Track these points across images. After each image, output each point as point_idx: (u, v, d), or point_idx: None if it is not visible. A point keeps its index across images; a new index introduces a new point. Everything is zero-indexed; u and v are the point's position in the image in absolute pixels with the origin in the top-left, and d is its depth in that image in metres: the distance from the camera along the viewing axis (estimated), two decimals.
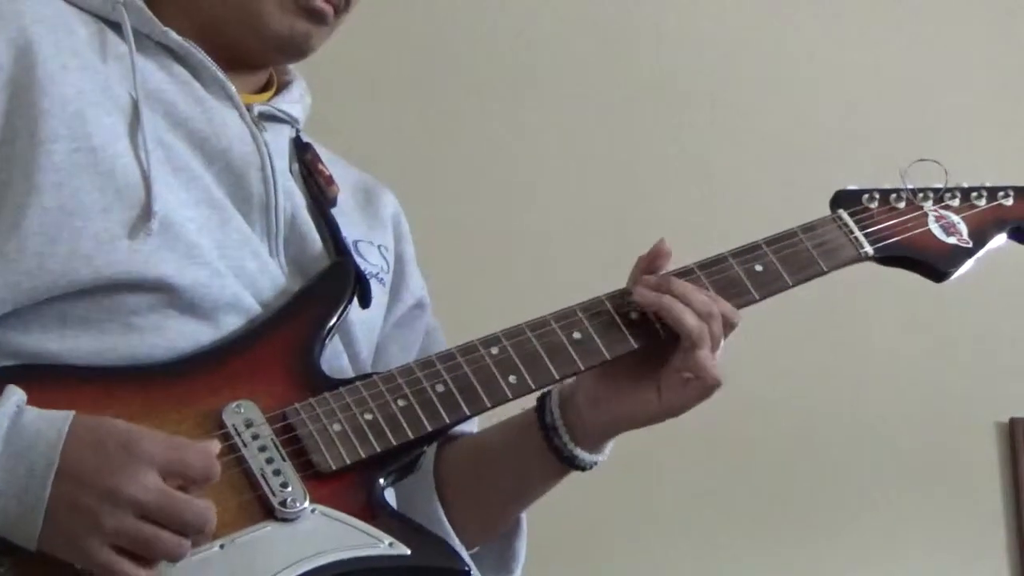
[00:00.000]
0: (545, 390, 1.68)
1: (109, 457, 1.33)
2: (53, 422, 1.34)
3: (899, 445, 3.37)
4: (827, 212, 1.81)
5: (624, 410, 1.66)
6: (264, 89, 1.75)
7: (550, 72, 3.31)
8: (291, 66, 1.80)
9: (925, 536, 3.36)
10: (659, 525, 3.13)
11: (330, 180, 1.72)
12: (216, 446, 1.40)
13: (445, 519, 1.68)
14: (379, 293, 1.72)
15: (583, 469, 1.68)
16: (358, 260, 1.69)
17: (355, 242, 1.72)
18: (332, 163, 1.77)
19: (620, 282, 1.70)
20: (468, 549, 1.69)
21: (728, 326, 1.64)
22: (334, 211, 1.70)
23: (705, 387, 1.63)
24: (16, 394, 1.37)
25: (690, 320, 1.61)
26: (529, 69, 3.29)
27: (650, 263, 1.68)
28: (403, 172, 1.93)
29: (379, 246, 1.77)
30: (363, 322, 1.68)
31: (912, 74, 3.58)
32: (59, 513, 1.31)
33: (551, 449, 1.67)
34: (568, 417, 1.67)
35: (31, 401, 1.38)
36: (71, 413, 1.35)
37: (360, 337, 1.67)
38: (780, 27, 3.52)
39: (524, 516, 1.77)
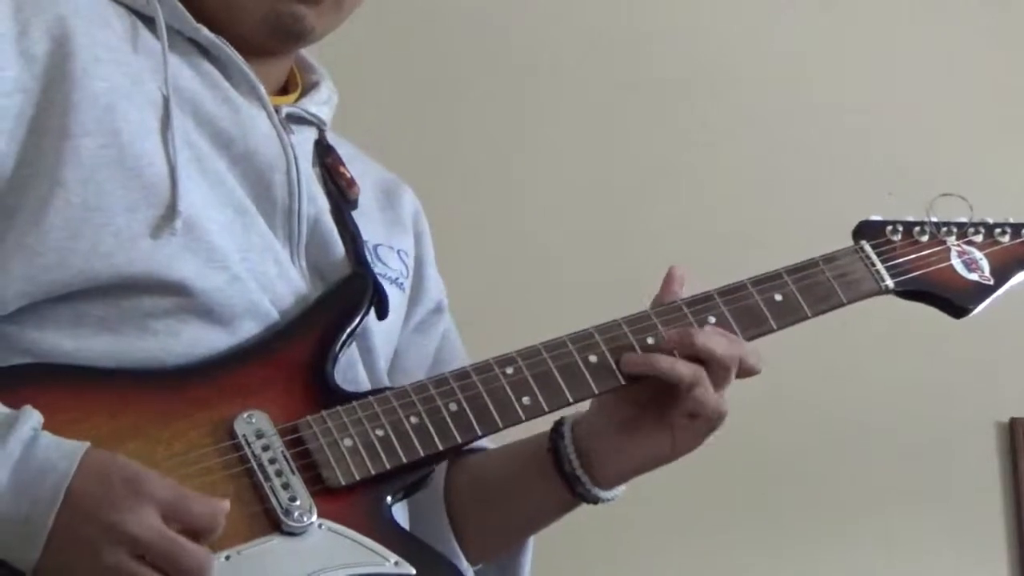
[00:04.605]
0: (554, 429, 1.68)
1: (113, 491, 1.31)
2: (64, 454, 1.33)
3: (899, 445, 3.35)
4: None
5: (641, 454, 1.65)
6: (286, 87, 1.73)
7: (567, 76, 3.30)
8: (317, 64, 1.78)
9: (925, 536, 3.35)
10: (658, 525, 3.12)
11: (351, 182, 1.70)
12: (227, 505, 1.37)
13: (453, 538, 1.67)
14: (398, 298, 1.71)
15: (603, 503, 1.69)
16: (378, 265, 1.68)
17: (375, 246, 1.70)
18: (353, 159, 1.75)
19: (635, 293, 1.69)
20: (473, 565, 1.68)
21: (747, 372, 1.64)
22: (355, 213, 1.69)
23: (710, 422, 1.62)
24: (32, 418, 1.35)
25: (682, 369, 1.59)
26: (554, 73, 3.29)
27: (666, 291, 1.67)
28: (417, 176, 1.91)
29: (399, 251, 1.75)
30: (382, 330, 1.67)
31: (932, 93, 3.56)
32: (59, 543, 1.30)
33: (574, 495, 1.66)
34: (588, 465, 1.65)
35: (46, 403, 1.37)
36: (84, 445, 1.34)
37: (379, 346, 1.66)
38: (797, 37, 3.50)
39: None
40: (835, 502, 3.30)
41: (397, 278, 1.72)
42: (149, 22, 1.60)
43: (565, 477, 1.66)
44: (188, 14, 1.60)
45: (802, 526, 3.27)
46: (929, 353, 3.39)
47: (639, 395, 1.63)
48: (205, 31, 1.60)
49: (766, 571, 3.23)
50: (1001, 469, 3.46)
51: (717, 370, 1.60)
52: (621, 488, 1.68)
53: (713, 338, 1.61)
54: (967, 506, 3.41)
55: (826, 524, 3.28)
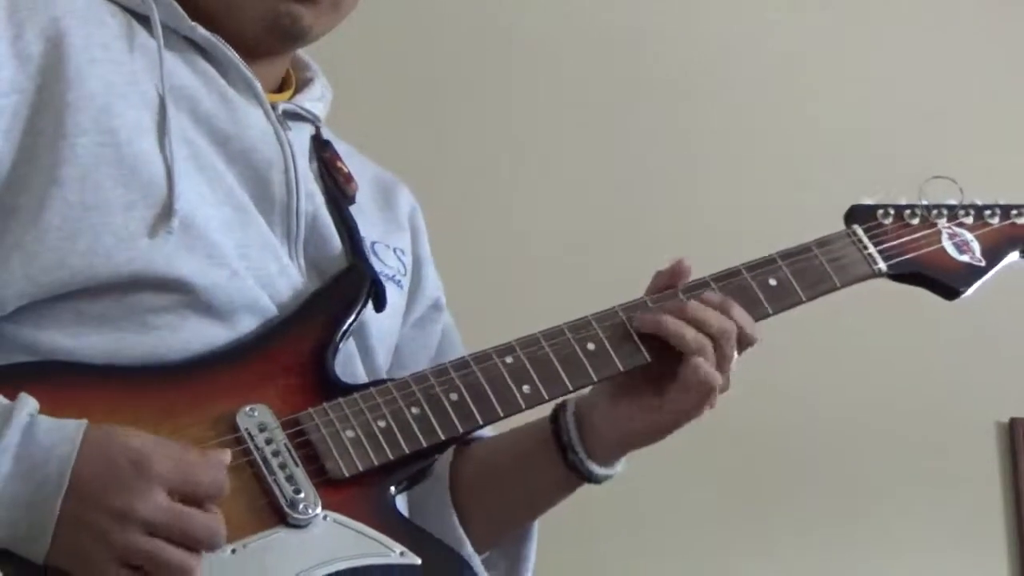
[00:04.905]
0: (560, 404, 1.68)
1: (120, 475, 1.32)
2: (65, 435, 1.33)
3: (899, 445, 3.37)
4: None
5: (635, 425, 1.65)
6: (283, 84, 1.74)
7: (565, 75, 3.31)
8: (311, 61, 1.79)
9: (925, 536, 3.36)
10: (658, 525, 3.13)
11: (349, 178, 1.71)
12: (227, 456, 1.39)
13: (459, 526, 1.67)
14: (396, 296, 1.71)
15: (598, 483, 1.68)
16: (375, 262, 1.68)
17: (372, 243, 1.70)
18: (349, 157, 1.76)
19: (632, 290, 1.70)
20: (479, 553, 1.69)
21: (747, 341, 1.64)
22: (352, 209, 1.69)
23: (703, 391, 1.61)
24: (28, 404, 1.35)
25: (688, 335, 1.61)
26: (552, 71, 3.30)
27: (669, 280, 1.68)
28: (413, 172, 1.92)
29: (396, 249, 1.75)
30: (380, 327, 1.67)
31: (926, 83, 3.59)
32: (68, 530, 1.30)
33: (567, 465, 1.67)
34: (584, 435, 1.66)
35: (46, 400, 1.36)
36: (83, 424, 1.34)
37: (376, 342, 1.66)
38: (788, 30, 3.53)
39: (536, 522, 1.77)
40: (835, 502, 3.31)
41: (395, 276, 1.72)
42: (144, 21, 1.60)
43: (562, 446, 1.66)
44: (183, 12, 1.61)
45: (802, 526, 3.28)
46: (929, 353, 3.40)
47: (644, 375, 1.64)
48: (201, 29, 1.61)
49: (766, 571, 3.23)
50: (1001, 469, 3.47)
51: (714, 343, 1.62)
52: (616, 469, 1.69)
53: (703, 309, 1.63)
54: (967, 506, 3.42)
55: (826, 524, 3.29)
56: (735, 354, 1.63)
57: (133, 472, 1.32)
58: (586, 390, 1.66)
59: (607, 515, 2.91)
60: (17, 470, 1.30)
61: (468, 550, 1.66)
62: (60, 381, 1.43)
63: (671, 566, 3.15)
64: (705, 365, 1.60)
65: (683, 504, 3.15)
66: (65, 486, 1.30)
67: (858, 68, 3.53)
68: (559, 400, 1.66)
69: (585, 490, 1.72)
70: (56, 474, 1.31)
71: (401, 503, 1.60)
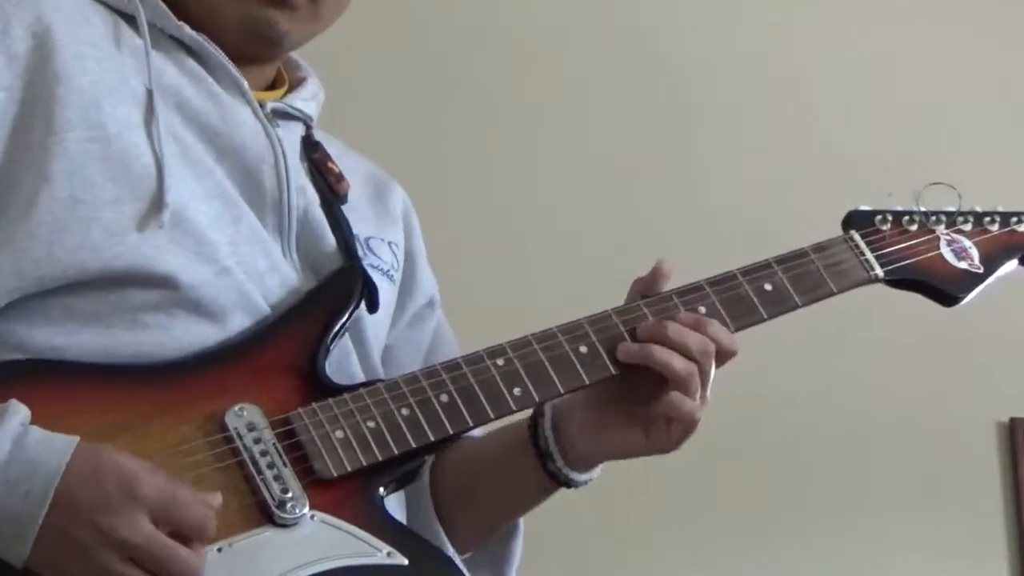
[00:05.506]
0: (537, 410, 1.67)
1: (106, 495, 1.32)
2: (55, 451, 1.33)
3: (899, 445, 3.38)
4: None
5: (613, 442, 1.65)
6: (273, 85, 1.73)
7: (562, 74, 3.32)
8: (303, 62, 1.78)
9: (925, 536, 3.37)
10: (657, 526, 3.14)
11: (340, 177, 1.71)
12: (217, 500, 1.38)
13: (440, 527, 1.68)
14: (389, 290, 1.71)
15: (575, 487, 1.69)
16: (369, 256, 1.68)
17: (366, 239, 1.71)
18: (341, 156, 1.75)
19: (626, 289, 1.69)
20: (461, 553, 1.69)
21: (727, 355, 1.63)
22: (345, 208, 1.69)
23: (685, 428, 1.62)
24: (20, 413, 1.35)
25: (677, 364, 1.59)
26: (549, 73, 3.30)
27: (649, 285, 1.67)
28: (410, 172, 1.91)
29: (390, 242, 1.75)
30: (374, 322, 1.67)
31: (926, 86, 3.59)
32: (50, 541, 1.31)
33: (545, 471, 1.67)
34: (561, 442, 1.66)
35: (37, 399, 1.37)
36: (74, 441, 1.34)
37: (371, 337, 1.66)
38: (789, 31, 3.53)
39: (521, 519, 1.78)
40: (835, 502, 3.32)
41: (388, 270, 1.72)
42: (131, 21, 1.60)
43: (540, 454, 1.67)
44: (169, 12, 1.61)
45: (802, 526, 3.28)
46: (929, 353, 3.40)
47: (622, 385, 1.64)
48: (187, 29, 1.61)
49: (765, 571, 3.23)
50: (1001, 469, 3.48)
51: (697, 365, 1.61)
52: (594, 474, 1.69)
53: (683, 332, 1.61)
54: (967, 506, 3.43)
55: (826, 524, 3.30)
56: (713, 371, 1.62)
57: (119, 492, 1.32)
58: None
59: (601, 514, 2.91)
60: (3, 480, 1.31)
61: (450, 551, 1.66)
62: (51, 380, 1.43)
63: (670, 566, 3.16)
64: (688, 401, 1.59)
65: (681, 504, 3.16)
66: (50, 499, 1.31)
67: (858, 69, 3.53)
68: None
69: (583, 496, 1.72)
70: (41, 488, 1.31)
71: (399, 507, 1.62)
